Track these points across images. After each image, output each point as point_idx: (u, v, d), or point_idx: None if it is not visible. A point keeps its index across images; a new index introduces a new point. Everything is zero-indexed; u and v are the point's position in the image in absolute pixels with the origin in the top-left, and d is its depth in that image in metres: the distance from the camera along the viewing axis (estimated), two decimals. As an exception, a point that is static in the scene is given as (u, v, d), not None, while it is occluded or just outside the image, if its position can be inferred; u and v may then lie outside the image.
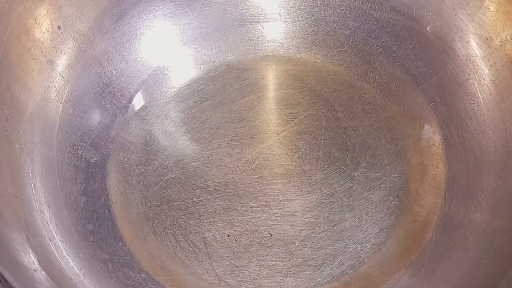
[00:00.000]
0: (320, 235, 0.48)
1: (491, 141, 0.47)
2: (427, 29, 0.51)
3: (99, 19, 0.51)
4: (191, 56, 0.54)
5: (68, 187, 0.48)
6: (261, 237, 0.48)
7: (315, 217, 0.48)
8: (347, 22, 0.54)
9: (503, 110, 0.47)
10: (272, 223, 0.48)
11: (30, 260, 0.42)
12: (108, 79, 0.52)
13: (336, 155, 0.50)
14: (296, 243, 0.48)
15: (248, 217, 0.48)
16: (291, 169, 0.50)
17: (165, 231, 0.49)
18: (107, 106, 0.52)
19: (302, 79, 0.54)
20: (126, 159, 0.51)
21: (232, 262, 0.47)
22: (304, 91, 0.53)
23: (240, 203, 0.49)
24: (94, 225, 0.48)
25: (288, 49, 0.55)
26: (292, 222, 0.48)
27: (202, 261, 0.47)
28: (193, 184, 0.50)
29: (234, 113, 0.52)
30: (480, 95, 0.48)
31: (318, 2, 0.54)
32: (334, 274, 0.46)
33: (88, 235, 0.47)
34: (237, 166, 0.50)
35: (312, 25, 0.54)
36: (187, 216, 0.49)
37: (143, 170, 0.51)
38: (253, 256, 0.47)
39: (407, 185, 0.49)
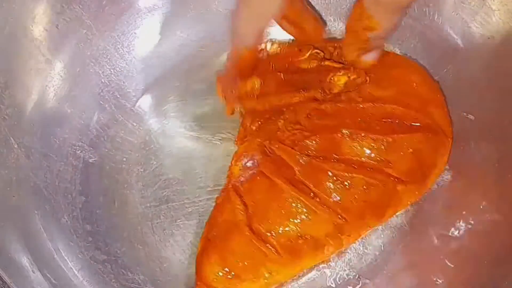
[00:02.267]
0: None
1: (492, 141, 0.47)
2: (429, 28, 0.50)
3: (97, 18, 0.50)
4: (191, 55, 0.54)
5: (67, 187, 0.48)
6: (261, 237, 0.48)
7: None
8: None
9: (504, 110, 0.46)
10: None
11: (28, 261, 0.42)
12: (107, 78, 0.52)
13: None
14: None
15: (248, 217, 0.48)
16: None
17: (164, 231, 0.48)
18: (106, 105, 0.52)
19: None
20: (124, 159, 0.51)
21: (231, 263, 0.47)
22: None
23: (240, 204, 0.49)
24: (93, 225, 0.48)
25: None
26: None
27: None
28: (192, 184, 0.50)
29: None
30: (482, 95, 0.48)
31: (319, 1, 0.53)
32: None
33: (87, 235, 0.47)
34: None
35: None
36: (186, 216, 0.49)
37: (142, 170, 0.50)
38: (252, 257, 0.47)
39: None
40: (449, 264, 0.45)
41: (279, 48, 0.50)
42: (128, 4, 0.52)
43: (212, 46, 0.53)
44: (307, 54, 0.47)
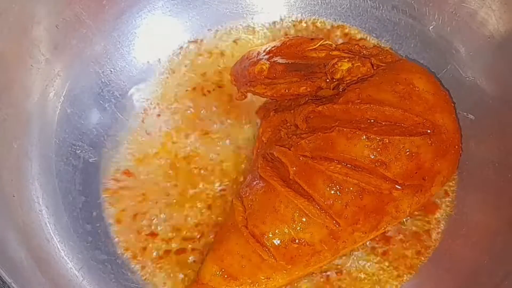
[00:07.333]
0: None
1: (492, 141, 0.47)
2: (429, 28, 0.50)
3: (97, 18, 0.50)
4: (191, 54, 0.54)
5: (67, 187, 0.48)
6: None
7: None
8: (348, 21, 0.54)
9: (504, 110, 0.46)
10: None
11: (28, 261, 0.42)
12: (107, 78, 0.52)
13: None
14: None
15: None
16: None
17: (164, 231, 0.48)
18: (106, 105, 0.52)
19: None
20: (125, 158, 0.51)
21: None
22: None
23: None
24: (93, 225, 0.48)
25: (289, 48, 0.55)
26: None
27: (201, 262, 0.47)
28: (193, 185, 0.50)
29: (236, 111, 0.52)
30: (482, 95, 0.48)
31: (319, 0, 0.54)
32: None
33: (87, 235, 0.47)
34: (241, 166, 0.50)
35: (313, 24, 0.54)
36: (186, 216, 0.49)
37: (142, 169, 0.50)
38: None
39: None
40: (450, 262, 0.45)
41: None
42: (128, 4, 0.52)
43: (213, 44, 0.53)
44: (318, 44, 0.48)
